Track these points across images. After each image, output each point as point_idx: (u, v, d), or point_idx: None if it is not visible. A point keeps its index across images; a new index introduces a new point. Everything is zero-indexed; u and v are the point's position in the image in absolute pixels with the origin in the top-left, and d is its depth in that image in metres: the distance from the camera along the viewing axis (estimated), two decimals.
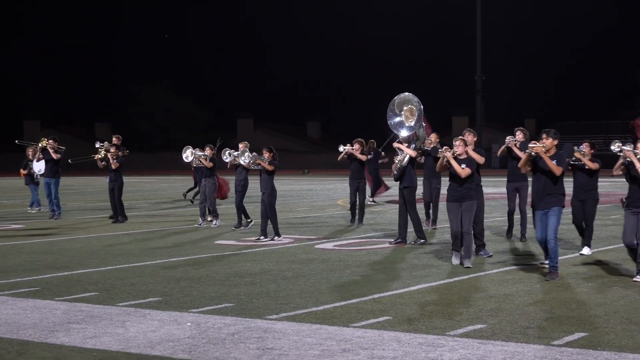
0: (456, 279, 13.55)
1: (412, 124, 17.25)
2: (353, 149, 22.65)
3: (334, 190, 41.78)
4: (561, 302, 11.45)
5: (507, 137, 17.62)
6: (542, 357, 8.49)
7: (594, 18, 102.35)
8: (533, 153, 13.23)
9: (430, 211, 21.71)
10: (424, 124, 17.69)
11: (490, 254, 16.08)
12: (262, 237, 19.54)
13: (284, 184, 45.50)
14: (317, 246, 18.29)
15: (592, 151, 15.97)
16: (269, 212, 19.45)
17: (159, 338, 9.55)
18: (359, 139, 22.97)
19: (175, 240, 19.93)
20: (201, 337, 9.57)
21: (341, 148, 22.91)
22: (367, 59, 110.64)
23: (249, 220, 22.56)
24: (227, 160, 21.90)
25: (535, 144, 13.32)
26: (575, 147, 15.81)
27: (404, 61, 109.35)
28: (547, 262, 13.76)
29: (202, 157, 23.24)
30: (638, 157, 12.98)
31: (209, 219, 23.78)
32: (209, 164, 23.23)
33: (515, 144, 17.49)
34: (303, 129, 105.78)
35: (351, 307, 11.23)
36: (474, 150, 15.66)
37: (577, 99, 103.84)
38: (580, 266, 14.88)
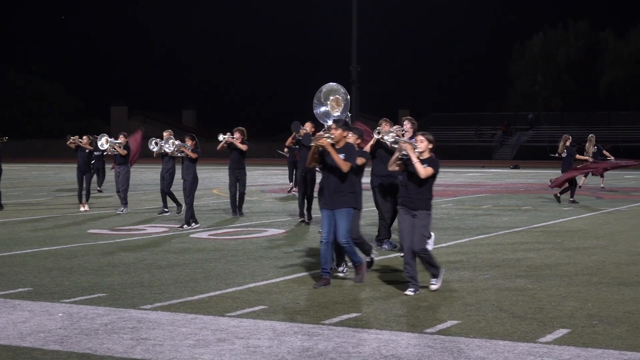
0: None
1: (338, 114, 17.11)
2: (233, 138, 22.34)
3: (209, 179, 41.54)
4: (434, 291, 11.61)
5: (395, 127, 17.47)
6: (415, 344, 8.60)
7: (469, 12, 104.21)
8: (320, 147, 11.99)
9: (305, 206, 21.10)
10: (349, 114, 17.53)
11: (396, 245, 15.78)
12: (185, 225, 19.61)
13: (158, 173, 45.08)
14: (192, 235, 18.17)
15: (431, 146, 15.16)
16: (186, 198, 19.56)
17: (30, 329, 9.33)
18: (240, 128, 22.70)
19: (46, 229, 19.53)
20: (73, 327, 9.38)
21: (221, 137, 22.60)
22: (241, 47, 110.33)
23: (181, 206, 22.72)
24: (154, 150, 21.89)
25: (322, 135, 12.14)
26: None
27: (279, 51, 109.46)
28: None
29: (117, 144, 23.76)
30: (417, 150, 11.59)
31: (121, 209, 23.97)
32: (123, 152, 23.85)
33: (402, 135, 17.07)
34: (178, 118, 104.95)
35: (227, 296, 11.18)
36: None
37: (450, 90, 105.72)
38: (451, 255, 15.13)
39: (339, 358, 8.09)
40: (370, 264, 13.20)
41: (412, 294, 11.24)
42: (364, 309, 10.36)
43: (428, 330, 9.21)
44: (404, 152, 11.54)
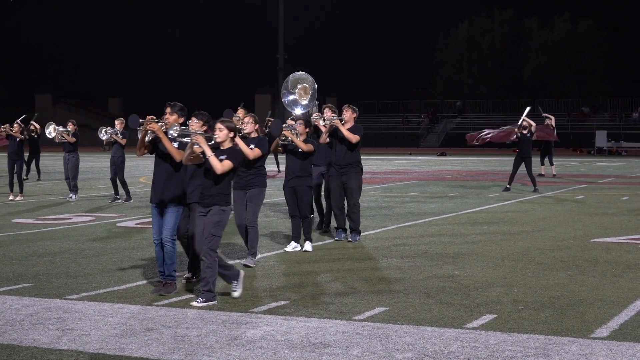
0: (258, 257, 13.58)
1: (306, 102, 16.86)
2: None
3: (136, 167, 41.23)
4: (362, 278, 11.65)
5: (314, 115, 17.31)
6: (344, 332, 8.62)
7: (395, 1, 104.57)
8: (149, 133, 10.64)
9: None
10: (317, 102, 17.27)
11: (358, 238, 15.37)
12: None
13: (84, 161, 44.50)
14: (119, 224, 18.01)
15: (307, 130, 14.05)
16: None
17: None
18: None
19: None
20: None
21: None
22: (167, 35, 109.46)
23: (118, 198, 23.46)
24: (103, 138, 21.91)
25: (154, 120, 10.68)
26: (285, 125, 13.96)
27: (205, 38, 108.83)
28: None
29: (65, 132, 23.90)
30: (216, 140, 10.29)
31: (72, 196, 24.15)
32: (72, 139, 24.06)
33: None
34: (104, 105, 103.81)
35: (154, 285, 11.08)
36: (349, 129, 15.01)
37: (377, 78, 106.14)
38: (379, 242, 15.20)
39: (267, 346, 8.08)
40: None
41: (199, 304, 9.90)
42: (292, 297, 10.35)
43: (356, 317, 9.24)
44: (196, 145, 10.19)
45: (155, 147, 10.71)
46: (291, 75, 16.91)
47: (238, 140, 12.18)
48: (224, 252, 13.60)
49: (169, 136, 10.51)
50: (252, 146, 12.65)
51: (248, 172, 12.78)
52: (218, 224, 10.17)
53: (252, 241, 12.80)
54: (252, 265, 12.55)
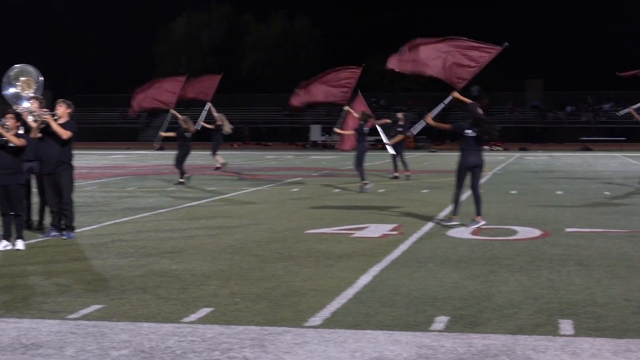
0: None
1: (30, 95, 16.00)
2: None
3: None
4: (77, 276, 11.39)
5: (20, 108, 16.76)
6: (57, 331, 8.40)
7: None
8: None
9: None
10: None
11: (73, 235, 14.94)
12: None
13: None
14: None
15: (18, 124, 13.71)
16: None
17: None
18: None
19: None
20: None
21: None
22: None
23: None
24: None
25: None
26: None
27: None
28: None
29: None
30: None
31: None
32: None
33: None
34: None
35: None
36: (61, 125, 14.44)
37: (94, 71, 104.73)
38: (95, 238, 14.92)
39: None
40: None
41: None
42: (2, 298, 9.98)
43: (70, 316, 9.02)
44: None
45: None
46: (15, 67, 16.37)
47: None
48: None
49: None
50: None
51: None
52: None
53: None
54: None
